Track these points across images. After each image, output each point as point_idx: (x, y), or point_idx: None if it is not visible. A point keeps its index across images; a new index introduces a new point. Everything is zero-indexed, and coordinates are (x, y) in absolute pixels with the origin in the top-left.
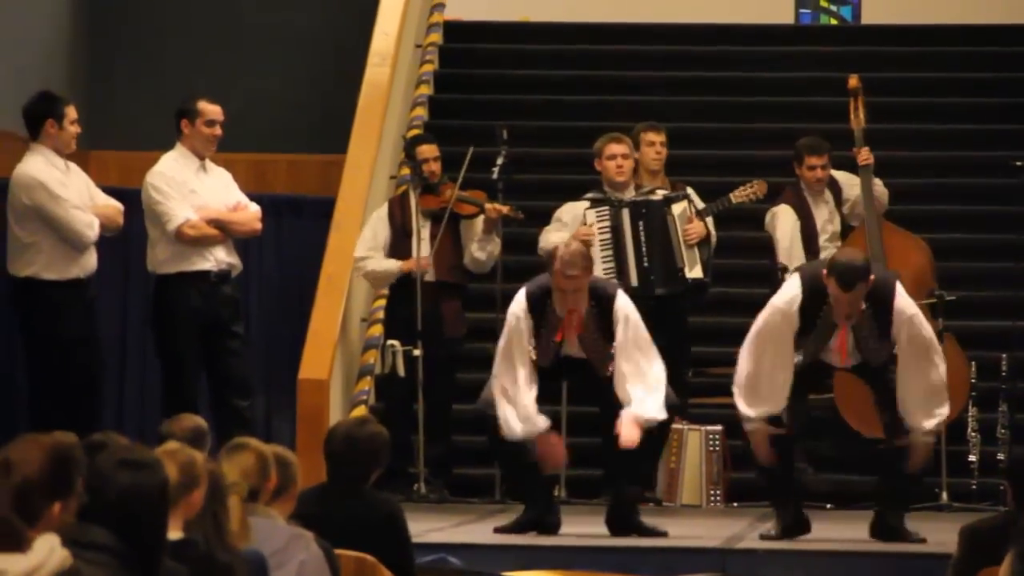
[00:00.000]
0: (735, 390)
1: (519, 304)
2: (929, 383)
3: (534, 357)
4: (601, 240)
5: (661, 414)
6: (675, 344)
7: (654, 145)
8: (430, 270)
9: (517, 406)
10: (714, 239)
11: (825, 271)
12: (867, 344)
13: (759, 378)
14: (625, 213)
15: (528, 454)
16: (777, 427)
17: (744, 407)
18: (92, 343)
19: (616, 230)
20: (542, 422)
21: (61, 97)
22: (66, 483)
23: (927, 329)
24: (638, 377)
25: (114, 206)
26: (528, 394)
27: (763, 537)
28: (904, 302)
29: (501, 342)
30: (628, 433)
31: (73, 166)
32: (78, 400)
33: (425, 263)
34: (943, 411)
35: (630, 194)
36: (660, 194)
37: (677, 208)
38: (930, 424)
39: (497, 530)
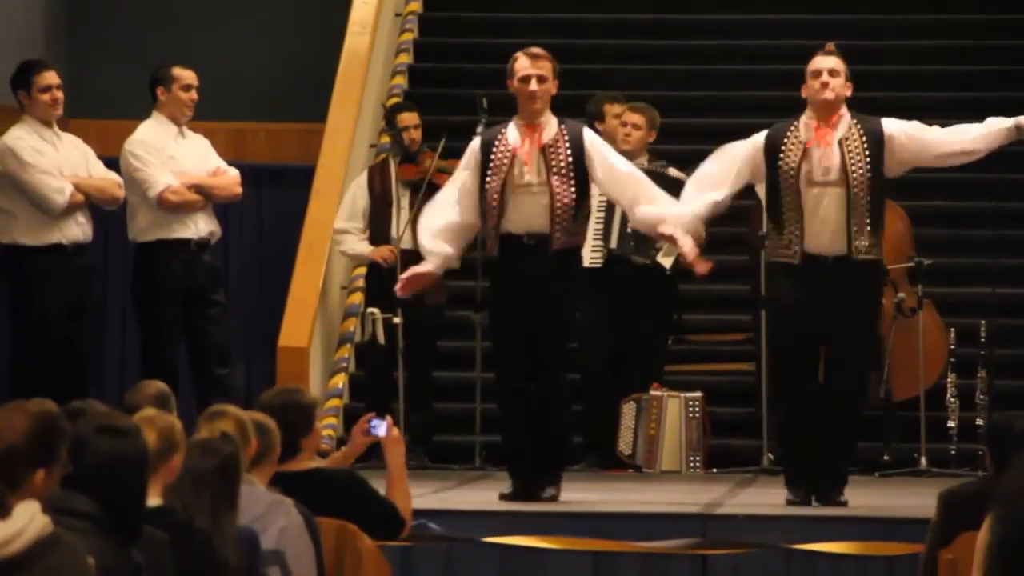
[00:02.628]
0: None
1: (471, 145)
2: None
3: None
4: (599, 203)
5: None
6: (659, 312)
7: (625, 126)
8: (407, 236)
9: (434, 219)
10: None
11: None
12: (856, 158)
13: (702, 174)
14: None
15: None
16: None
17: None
18: (80, 312)
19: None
20: (448, 249)
21: (33, 64)
22: (50, 451)
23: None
24: (644, 195)
25: (112, 179)
26: (450, 218)
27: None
28: (891, 120)
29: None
30: (694, 259)
31: (69, 136)
32: (59, 369)
33: (391, 257)
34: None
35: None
36: (672, 173)
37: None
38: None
39: (503, 497)
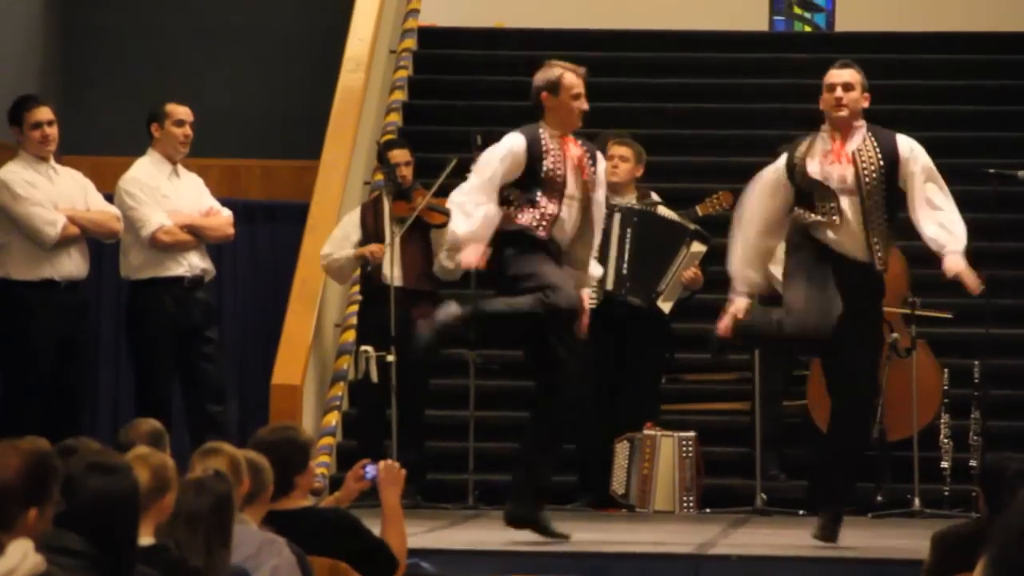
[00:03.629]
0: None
1: (515, 138)
2: (947, 206)
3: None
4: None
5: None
6: (651, 351)
7: (612, 159)
8: (398, 273)
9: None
10: None
11: None
12: (868, 169)
13: (747, 242)
14: (616, 218)
15: None
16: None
17: (731, 271)
18: (70, 349)
19: (605, 232)
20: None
21: (26, 100)
22: (42, 490)
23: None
24: None
25: (110, 212)
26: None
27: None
28: (906, 139)
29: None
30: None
31: (67, 170)
32: (50, 406)
33: (379, 251)
34: (962, 230)
35: (628, 201)
36: (692, 225)
37: (697, 247)
38: (959, 244)
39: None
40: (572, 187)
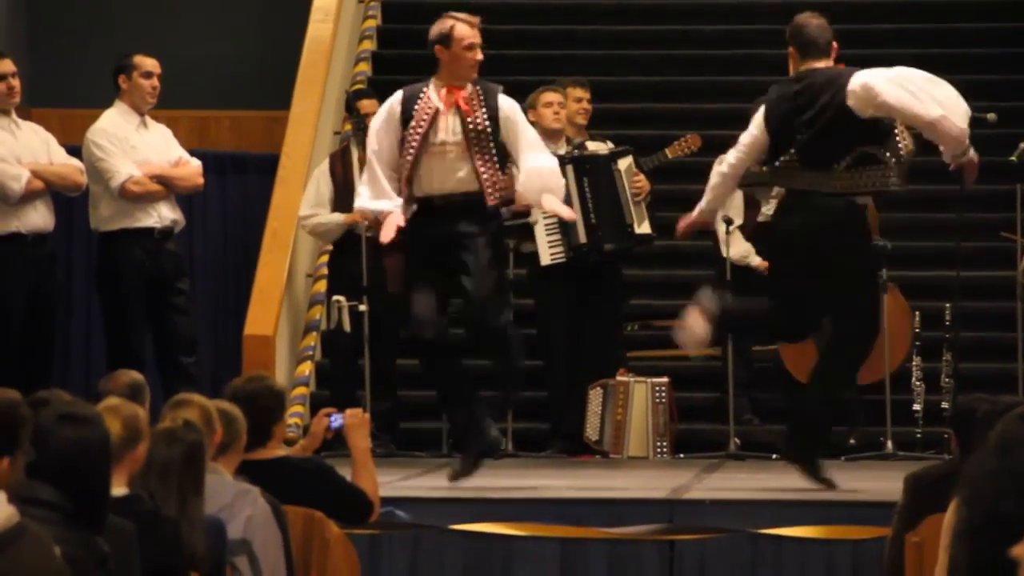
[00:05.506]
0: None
1: (389, 104)
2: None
3: (406, 156)
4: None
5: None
6: (613, 299)
7: (580, 101)
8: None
9: (374, 186)
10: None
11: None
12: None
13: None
14: (569, 169)
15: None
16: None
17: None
18: (40, 302)
19: None
20: (391, 203)
21: None
22: (12, 439)
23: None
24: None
25: (73, 165)
26: (386, 180)
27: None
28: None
29: (369, 145)
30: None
31: (29, 124)
32: (22, 358)
33: (368, 214)
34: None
35: (563, 148)
36: (606, 148)
37: (623, 163)
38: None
39: (452, 478)
40: (444, 132)
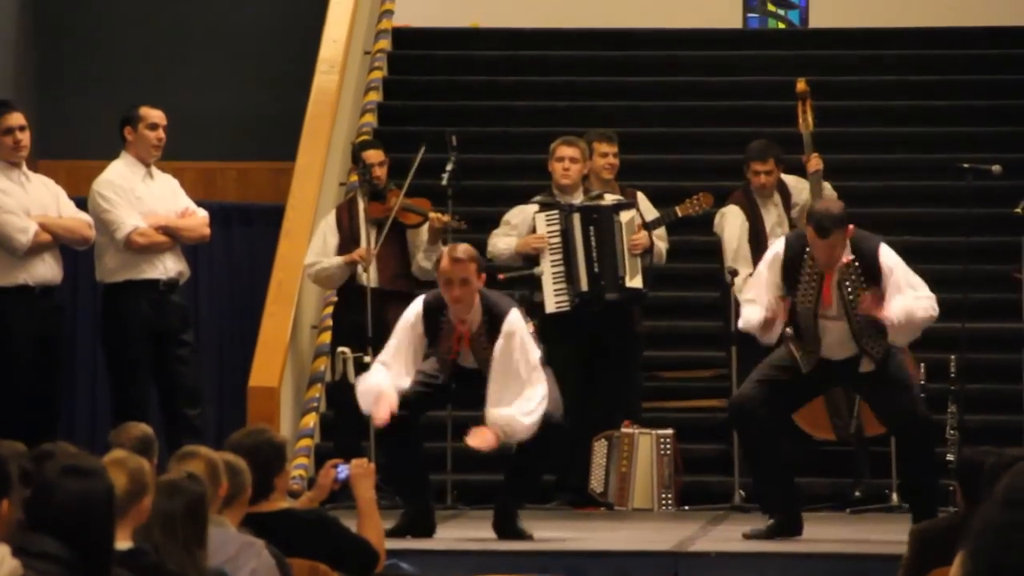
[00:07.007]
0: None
1: (414, 310)
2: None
3: (426, 370)
4: (551, 245)
5: (522, 420)
6: (626, 348)
7: (606, 156)
8: (374, 275)
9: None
10: (665, 247)
11: (805, 219)
12: (846, 293)
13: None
14: (576, 218)
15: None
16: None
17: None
18: (47, 352)
19: (566, 235)
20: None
21: None
22: (2, 479)
23: (911, 275)
24: (506, 399)
25: (82, 219)
26: (400, 380)
27: (747, 536)
28: (888, 258)
29: (390, 342)
30: (477, 436)
31: (39, 176)
32: (28, 411)
33: (366, 254)
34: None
35: (578, 199)
36: (609, 200)
37: (625, 216)
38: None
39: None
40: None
